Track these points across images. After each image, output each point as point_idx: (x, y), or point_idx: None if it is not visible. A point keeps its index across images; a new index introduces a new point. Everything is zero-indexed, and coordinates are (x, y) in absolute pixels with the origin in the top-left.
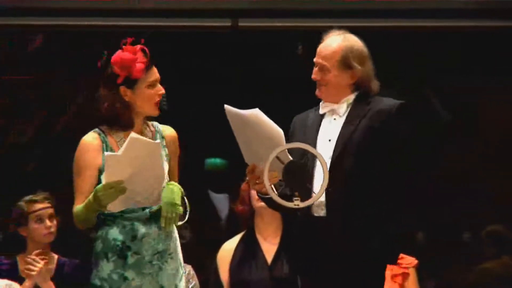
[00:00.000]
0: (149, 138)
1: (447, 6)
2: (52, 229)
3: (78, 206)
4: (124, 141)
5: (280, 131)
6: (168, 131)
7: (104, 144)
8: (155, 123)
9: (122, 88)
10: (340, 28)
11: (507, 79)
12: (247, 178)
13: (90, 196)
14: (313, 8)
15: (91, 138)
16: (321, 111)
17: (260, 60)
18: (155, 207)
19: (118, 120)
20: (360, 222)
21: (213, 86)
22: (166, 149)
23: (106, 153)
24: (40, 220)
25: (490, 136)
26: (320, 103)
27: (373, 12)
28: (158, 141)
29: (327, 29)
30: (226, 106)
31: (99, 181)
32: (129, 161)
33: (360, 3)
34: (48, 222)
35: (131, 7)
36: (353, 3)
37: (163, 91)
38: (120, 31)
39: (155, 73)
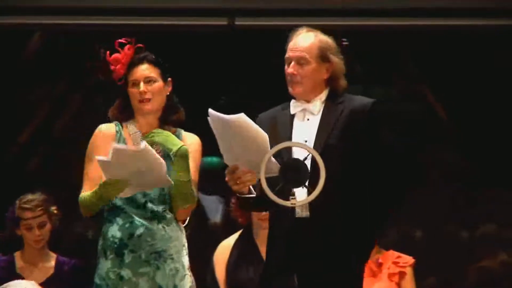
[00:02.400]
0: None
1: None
2: (41, 237)
3: (85, 194)
4: (136, 135)
5: (265, 135)
6: (188, 137)
7: (119, 134)
8: (180, 130)
9: (126, 88)
10: (338, 27)
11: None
12: (226, 179)
13: (97, 188)
14: (310, 7)
15: (106, 127)
16: (292, 111)
17: (256, 59)
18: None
19: (119, 117)
20: (344, 221)
21: (209, 85)
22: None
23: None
24: (30, 228)
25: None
26: (291, 102)
27: (371, 11)
28: (142, 146)
29: (329, 28)
30: (210, 110)
31: None
32: (121, 165)
33: (357, 2)
34: (37, 231)
35: (127, 6)
36: (350, 3)
37: (142, 89)
38: (115, 31)
39: (137, 72)
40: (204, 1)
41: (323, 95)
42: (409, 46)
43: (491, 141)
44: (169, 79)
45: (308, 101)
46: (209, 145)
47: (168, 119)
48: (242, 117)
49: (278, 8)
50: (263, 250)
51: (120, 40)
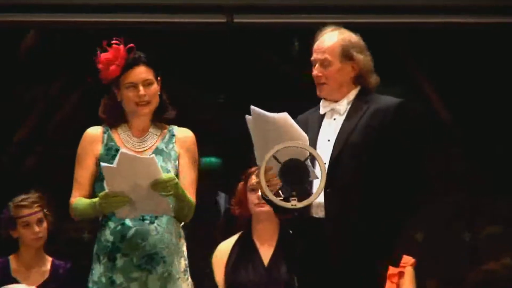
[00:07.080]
0: (156, 140)
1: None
2: (40, 234)
3: (78, 203)
4: (127, 135)
5: (306, 136)
6: (182, 132)
7: (106, 135)
8: (172, 126)
9: (114, 88)
10: (335, 24)
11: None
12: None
13: (94, 200)
14: (309, 5)
15: (92, 129)
16: (321, 111)
17: (255, 57)
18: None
19: (109, 119)
20: (360, 223)
21: (207, 82)
22: (176, 150)
23: (102, 164)
24: (28, 225)
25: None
26: (321, 102)
27: (369, 8)
28: (152, 155)
29: (323, 25)
30: (252, 106)
31: (98, 172)
32: (126, 173)
33: None
34: (35, 228)
35: (124, 3)
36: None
37: (142, 92)
38: (113, 28)
39: (134, 75)
40: None
41: (351, 95)
42: (409, 45)
43: (492, 142)
44: (159, 78)
45: (336, 101)
46: (209, 145)
47: (160, 118)
48: (285, 116)
49: (277, 5)
50: (262, 251)
51: (114, 41)
